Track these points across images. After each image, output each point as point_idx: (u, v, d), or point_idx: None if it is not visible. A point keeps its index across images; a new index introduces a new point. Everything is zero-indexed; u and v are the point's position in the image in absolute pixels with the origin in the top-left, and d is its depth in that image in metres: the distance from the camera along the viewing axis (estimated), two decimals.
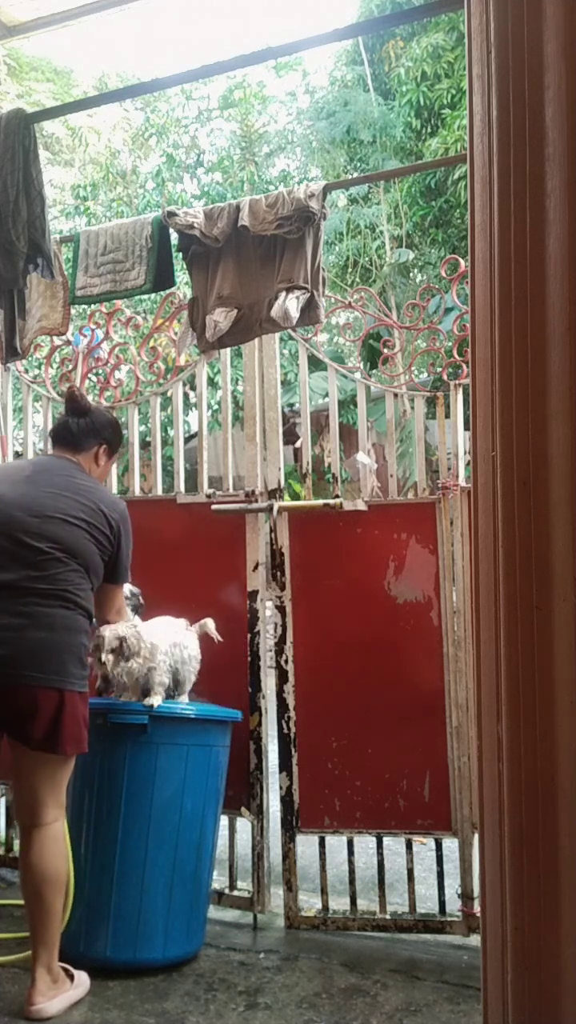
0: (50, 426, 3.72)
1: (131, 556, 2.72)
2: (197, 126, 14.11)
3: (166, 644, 2.79)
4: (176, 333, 3.27)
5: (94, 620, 2.63)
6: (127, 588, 2.82)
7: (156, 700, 2.71)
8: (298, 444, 5.75)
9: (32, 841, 2.43)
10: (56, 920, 2.43)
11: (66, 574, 2.48)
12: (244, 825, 3.17)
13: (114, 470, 3.57)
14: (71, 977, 2.50)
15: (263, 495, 3.18)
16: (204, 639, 2.99)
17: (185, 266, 3.08)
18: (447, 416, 3.14)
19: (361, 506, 3.08)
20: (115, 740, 2.69)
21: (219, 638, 2.99)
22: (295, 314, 2.75)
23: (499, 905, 1.53)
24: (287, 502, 3.16)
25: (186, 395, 8.27)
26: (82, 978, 2.53)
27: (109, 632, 2.69)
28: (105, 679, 2.97)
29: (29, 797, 2.44)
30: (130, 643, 2.70)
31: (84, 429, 2.75)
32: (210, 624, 2.98)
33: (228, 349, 3.15)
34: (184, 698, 2.88)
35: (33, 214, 2.94)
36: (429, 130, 11.12)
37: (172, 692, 2.84)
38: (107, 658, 2.67)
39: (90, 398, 3.65)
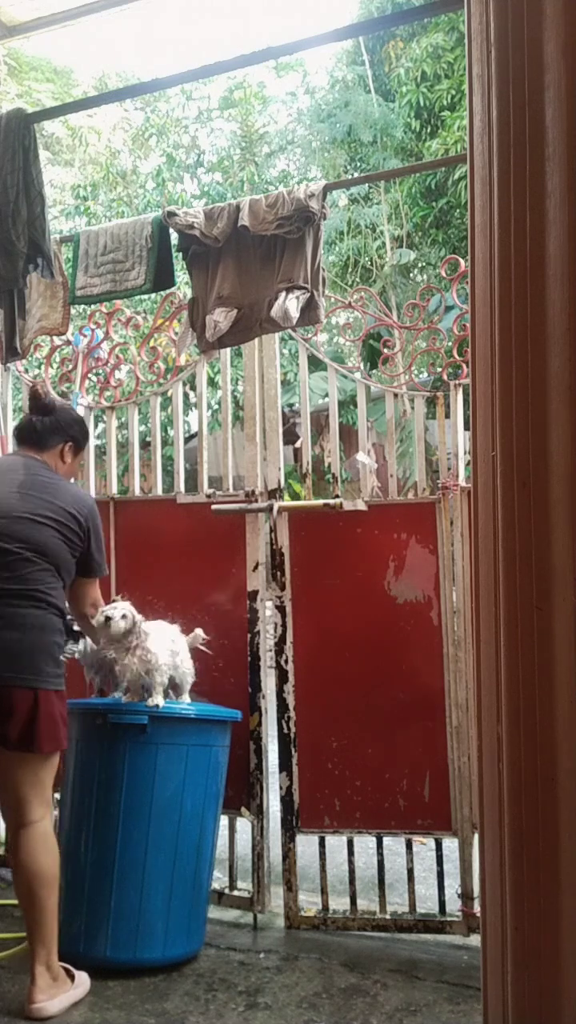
0: None
1: (103, 550, 2.72)
2: (197, 126, 14.11)
3: (166, 645, 2.80)
4: (176, 333, 3.27)
5: (68, 617, 2.63)
6: (121, 607, 2.79)
7: (159, 700, 2.71)
8: (298, 444, 5.75)
9: (20, 841, 2.43)
10: (52, 917, 2.43)
11: (37, 574, 2.48)
12: (244, 825, 3.16)
13: (114, 470, 3.57)
14: (71, 977, 2.50)
15: (263, 495, 3.18)
16: (195, 649, 2.99)
17: (185, 266, 3.08)
18: (447, 416, 3.14)
19: (361, 506, 3.08)
20: (115, 740, 2.69)
21: (207, 649, 2.98)
22: (295, 314, 2.75)
23: (499, 905, 1.53)
24: (287, 502, 3.16)
25: (186, 395, 8.27)
26: (82, 978, 2.53)
27: (114, 607, 2.71)
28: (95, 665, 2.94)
29: (13, 797, 2.45)
30: (132, 620, 2.70)
31: (49, 427, 2.72)
32: (199, 635, 2.99)
33: (228, 349, 3.15)
34: (185, 697, 2.88)
35: (33, 214, 2.95)
36: (429, 131, 11.11)
37: (169, 695, 2.84)
38: (116, 620, 2.67)
39: (90, 398, 3.66)
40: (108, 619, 2.67)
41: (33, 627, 2.44)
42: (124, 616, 2.68)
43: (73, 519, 2.58)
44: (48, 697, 2.43)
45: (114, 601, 2.79)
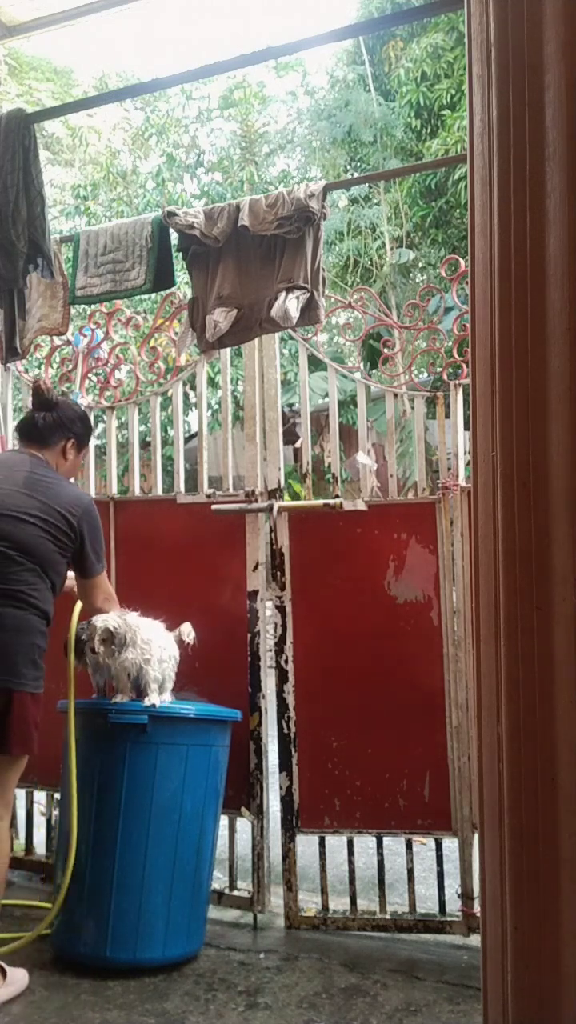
0: None
1: (103, 546, 2.71)
2: (197, 126, 14.10)
3: (156, 642, 2.80)
4: (176, 333, 3.27)
5: (51, 620, 2.60)
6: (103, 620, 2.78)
7: (155, 698, 2.71)
8: (298, 444, 5.76)
9: None
10: None
11: (20, 573, 2.45)
12: (244, 825, 3.16)
13: (114, 470, 3.57)
14: (4, 974, 2.49)
15: (263, 495, 3.18)
16: (182, 643, 2.98)
17: (185, 266, 3.08)
18: (447, 416, 3.14)
19: (361, 506, 3.07)
20: (115, 740, 2.69)
21: (190, 642, 2.98)
22: (295, 314, 2.75)
23: (499, 905, 1.53)
24: (287, 502, 3.16)
25: (186, 395, 8.27)
26: (16, 976, 2.50)
27: (100, 623, 2.71)
28: (97, 669, 2.95)
29: None
30: (119, 633, 2.71)
31: (50, 424, 2.71)
32: (184, 629, 2.98)
33: (228, 349, 3.15)
34: (167, 696, 2.87)
35: (33, 214, 2.95)
36: (429, 130, 11.12)
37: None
38: (99, 648, 2.69)
39: (90, 398, 3.66)
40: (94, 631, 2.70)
41: (10, 628, 2.42)
42: (104, 641, 2.70)
43: (63, 519, 2.55)
44: (22, 699, 2.42)
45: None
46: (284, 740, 3.09)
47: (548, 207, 1.48)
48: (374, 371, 8.14)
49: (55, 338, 3.48)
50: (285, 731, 3.09)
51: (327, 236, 9.59)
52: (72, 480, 2.88)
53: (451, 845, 2.97)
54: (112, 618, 2.74)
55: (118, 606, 2.80)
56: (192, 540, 3.29)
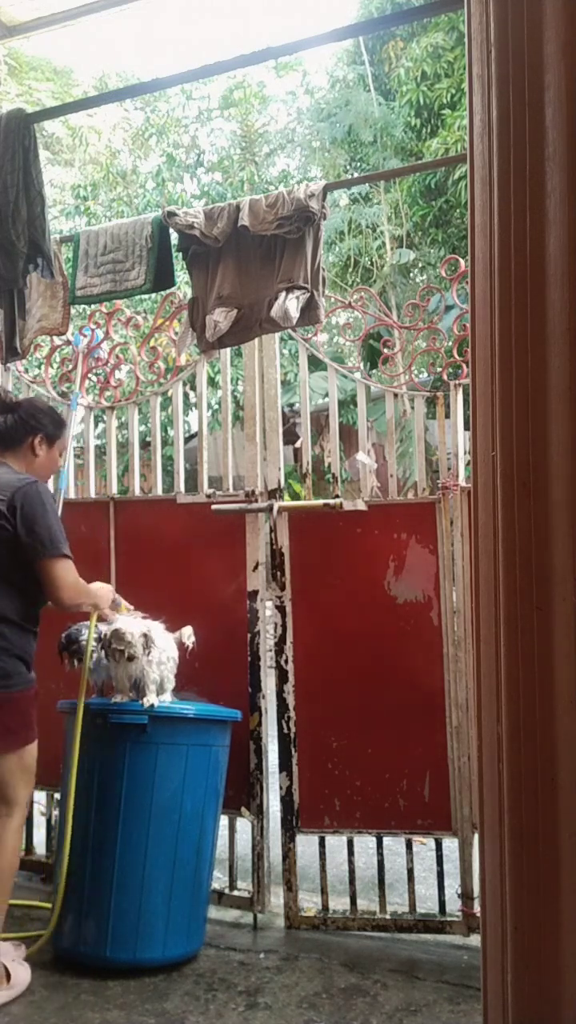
0: None
1: (47, 528, 2.51)
2: (197, 126, 14.11)
3: (160, 643, 2.80)
4: (176, 333, 3.27)
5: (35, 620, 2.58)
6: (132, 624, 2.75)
7: (153, 699, 2.71)
8: (298, 444, 5.76)
9: None
10: None
11: None
12: (244, 825, 3.16)
13: (114, 470, 3.57)
14: (8, 977, 2.48)
15: (263, 495, 3.18)
16: (182, 646, 2.98)
17: (185, 266, 3.08)
18: (447, 416, 3.14)
19: (361, 506, 3.07)
20: (115, 740, 2.69)
21: (191, 646, 2.98)
22: (295, 314, 2.75)
23: (499, 905, 1.53)
24: (287, 502, 3.16)
25: (186, 395, 8.27)
26: (19, 978, 2.50)
27: (135, 628, 2.70)
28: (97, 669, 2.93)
29: None
30: (151, 635, 2.72)
31: (12, 425, 2.66)
32: (185, 632, 2.98)
33: (228, 349, 3.15)
34: (167, 696, 2.86)
35: (33, 214, 2.95)
36: (429, 130, 11.12)
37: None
38: (141, 652, 2.70)
39: (90, 398, 3.66)
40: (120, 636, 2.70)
41: None
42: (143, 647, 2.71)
43: None
44: None
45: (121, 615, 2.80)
46: (284, 740, 3.09)
47: (548, 207, 1.48)
48: (374, 371, 8.13)
49: (55, 338, 3.48)
50: (285, 731, 3.09)
51: (327, 236, 9.59)
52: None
53: (451, 845, 2.97)
54: (138, 622, 2.75)
55: (82, 599, 2.67)
56: (192, 540, 3.29)
